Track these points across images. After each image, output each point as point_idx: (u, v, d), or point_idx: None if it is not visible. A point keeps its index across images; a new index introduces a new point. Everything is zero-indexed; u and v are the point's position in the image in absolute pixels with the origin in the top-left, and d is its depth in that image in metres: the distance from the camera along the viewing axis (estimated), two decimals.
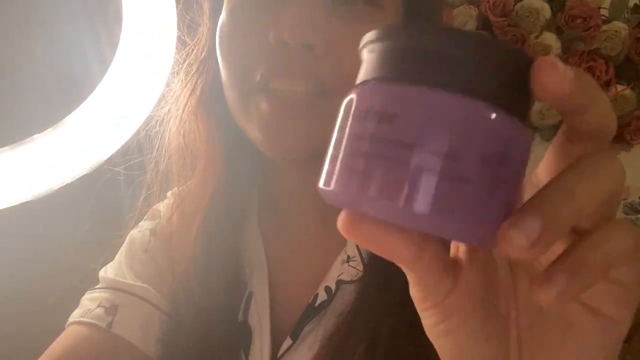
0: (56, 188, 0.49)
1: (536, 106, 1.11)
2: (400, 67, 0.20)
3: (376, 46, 0.20)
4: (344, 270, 0.47)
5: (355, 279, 0.46)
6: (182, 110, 0.50)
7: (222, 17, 0.43)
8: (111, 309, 0.47)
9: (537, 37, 1.07)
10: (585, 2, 1.06)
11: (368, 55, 0.21)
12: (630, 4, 1.12)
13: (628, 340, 0.40)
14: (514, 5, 1.07)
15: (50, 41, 0.63)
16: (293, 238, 0.51)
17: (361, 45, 0.22)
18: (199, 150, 0.50)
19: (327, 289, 0.47)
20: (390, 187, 0.18)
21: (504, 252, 0.18)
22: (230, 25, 0.43)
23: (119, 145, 0.51)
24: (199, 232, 0.49)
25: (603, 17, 1.10)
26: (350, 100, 0.20)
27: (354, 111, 0.20)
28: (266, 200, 0.53)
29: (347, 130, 0.20)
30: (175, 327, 0.48)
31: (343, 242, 0.48)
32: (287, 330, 0.47)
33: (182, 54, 0.51)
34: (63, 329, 0.47)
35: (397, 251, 0.21)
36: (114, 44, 0.51)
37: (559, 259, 0.19)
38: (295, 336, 0.46)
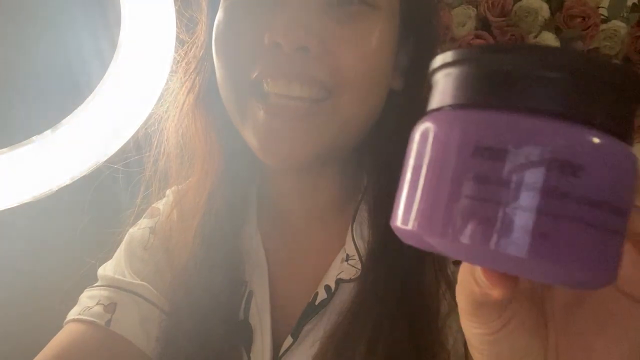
0: (56, 189, 0.49)
1: None
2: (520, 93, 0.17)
3: (466, 69, 0.17)
4: (344, 268, 0.47)
5: (354, 277, 0.46)
6: (181, 108, 0.50)
7: (219, 14, 0.43)
8: (110, 307, 0.47)
9: (536, 36, 1.07)
10: (583, 1, 1.06)
11: (445, 80, 0.18)
12: (629, 3, 1.12)
13: None
14: (513, 6, 1.07)
15: (50, 42, 0.63)
16: (292, 237, 0.51)
17: (435, 67, 0.19)
18: (197, 148, 0.50)
19: (327, 288, 0.47)
20: (527, 241, 0.16)
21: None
22: (225, 24, 0.43)
23: (118, 147, 0.51)
24: (198, 229, 0.49)
25: (602, 17, 1.10)
26: (427, 129, 0.18)
27: (446, 143, 0.17)
28: (265, 198, 0.53)
29: (435, 164, 0.17)
30: (174, 325, 0.47)
31: (342, 241, 0.48)
32: (287, 329, 0.47)
33: (180, 52, 0.51)
34: (62, 327, 0.47)
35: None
36: (113, 44, 0.51)
37: None
38: (296, 335, 0.46)
